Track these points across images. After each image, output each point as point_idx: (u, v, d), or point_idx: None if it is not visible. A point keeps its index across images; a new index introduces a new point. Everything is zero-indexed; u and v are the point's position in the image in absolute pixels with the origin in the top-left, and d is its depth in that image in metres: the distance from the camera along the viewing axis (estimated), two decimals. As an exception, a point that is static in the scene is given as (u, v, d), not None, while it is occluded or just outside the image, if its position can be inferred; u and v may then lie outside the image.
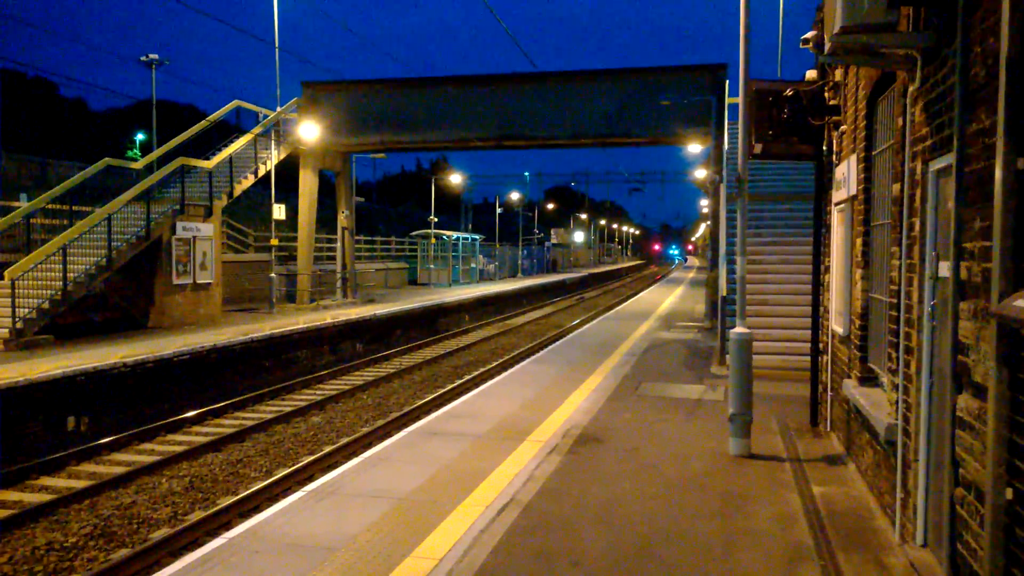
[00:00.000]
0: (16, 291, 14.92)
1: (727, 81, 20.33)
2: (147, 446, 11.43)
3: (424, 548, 5.47)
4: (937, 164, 4.63)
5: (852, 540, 5.64)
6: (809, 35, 8.16)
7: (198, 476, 9.93)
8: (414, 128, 23.84)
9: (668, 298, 33.83)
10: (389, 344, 22.11)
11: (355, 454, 9.38)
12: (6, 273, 15.27)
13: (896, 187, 5.61)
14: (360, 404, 14.35)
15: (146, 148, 39.24)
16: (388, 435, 10.06)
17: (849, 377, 7.43)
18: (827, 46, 5.23)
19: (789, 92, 8.33)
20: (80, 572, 7.09)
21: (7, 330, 14.76)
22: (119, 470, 10.02)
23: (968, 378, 3.89)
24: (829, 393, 8.85)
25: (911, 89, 5.05)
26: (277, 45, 23.65)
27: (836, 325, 8.35)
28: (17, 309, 14.92)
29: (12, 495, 9.24)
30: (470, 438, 8.61)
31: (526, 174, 65.35)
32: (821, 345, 9.20)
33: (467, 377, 16.73)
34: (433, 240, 41.95)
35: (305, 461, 10.22)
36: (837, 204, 8.43)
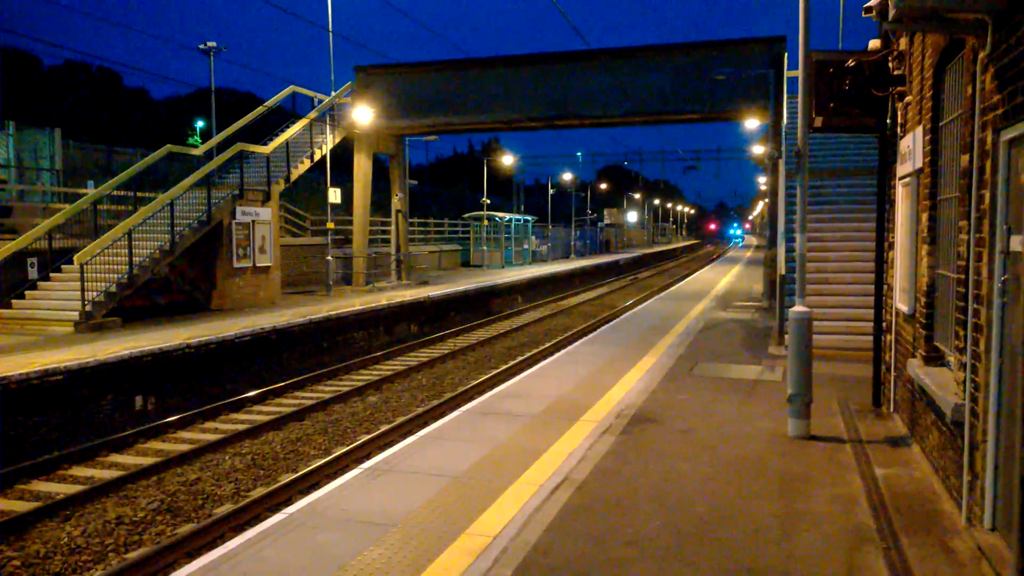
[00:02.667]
0: (84, 275, 15.48)
1: (785, 54, 19.77)
2: (210, 425, 11.77)
3: (479, 525, 5.52)
4: (1009, 134, 4.43)
5: (916, 523, 5.50)
6: (872, 3, 7.85)
7: (259, 454, 10.19)
8: (465, 110, 23.83)
9: (724, 278, 33.34)
10: (443, 325, 22.29)
11: (410, 433, 9.50)
12: (75, 258, 15.84)
13: (964, 159, 5.39)
14: (415, 384, 14.52)
15: (205, 135, 40.13)
16: (443, 414, 10.16)
17: (914, 356, 7.21)
18: (891, 13, 5.04)
19: (851, 63, 8.07)
20: (148, 545, 7.36)
21: (77, 313, 15.32)
22: (184, 448, 10.35)
23: (1042, 356, 3.73)
24: (892, 373, 8.60)
25: (981, 56, 4.83)
26: (331, 29, 23.86)
27: (900, 303, 8.11)
28: (86, 292, 15.47)
29: (84, 471, 9.62)
30: (524, 418, 8.63)
31: (578, 154, 64.60)
32: (884, 324, 8.95)
33: (520, 358, 16.77)
34: (486, 222, 42.00)
35: (362, 439, 10.41)
36: (902, 178, 8.15)
